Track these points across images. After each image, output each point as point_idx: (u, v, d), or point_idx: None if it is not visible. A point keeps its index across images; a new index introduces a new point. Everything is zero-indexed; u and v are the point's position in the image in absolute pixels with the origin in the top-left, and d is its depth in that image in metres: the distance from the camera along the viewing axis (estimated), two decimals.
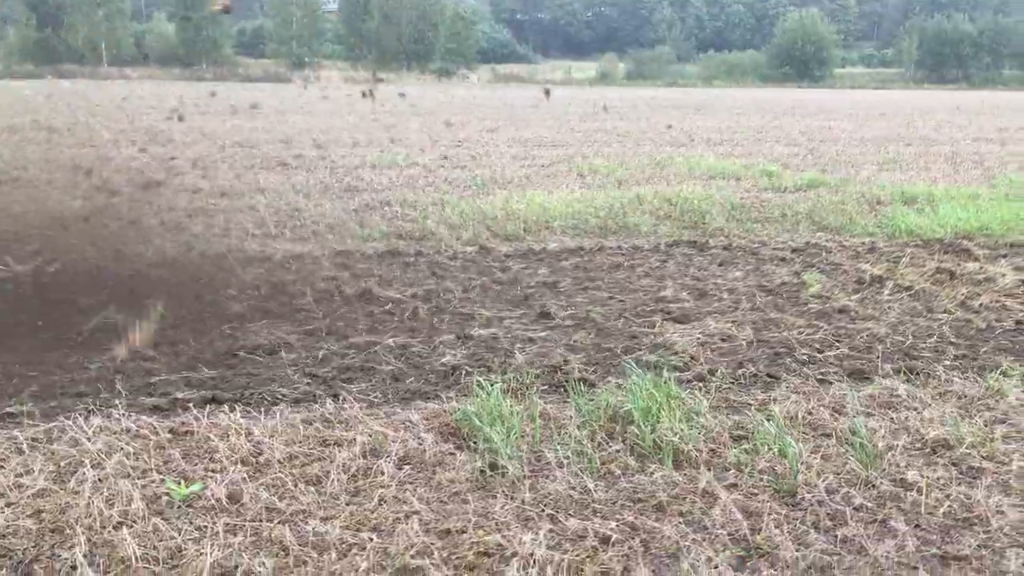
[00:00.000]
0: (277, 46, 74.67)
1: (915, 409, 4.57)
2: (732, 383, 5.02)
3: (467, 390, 4.72)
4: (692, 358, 5.37)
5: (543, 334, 5.85)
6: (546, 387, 4.93)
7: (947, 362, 5.37)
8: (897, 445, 4.09)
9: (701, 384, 4.98)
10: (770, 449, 4.01)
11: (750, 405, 4.69)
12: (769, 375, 5.13)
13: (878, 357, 5.44)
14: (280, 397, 4.70)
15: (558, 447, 4.00)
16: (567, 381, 4.96)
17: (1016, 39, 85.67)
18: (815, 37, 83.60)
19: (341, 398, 4.59)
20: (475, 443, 4.06)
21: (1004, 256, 8.34)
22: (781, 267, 7.78)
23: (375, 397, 4.74)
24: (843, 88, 68.42)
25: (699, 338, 5.73)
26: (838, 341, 5.74)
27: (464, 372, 5.13)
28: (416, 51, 77.77)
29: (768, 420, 4.28)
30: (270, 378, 4.97)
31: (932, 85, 77.80)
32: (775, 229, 9.71)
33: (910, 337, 5.84)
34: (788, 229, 9.77)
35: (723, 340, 5.74)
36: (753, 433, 4.17)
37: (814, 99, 45.11)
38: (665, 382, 4.53)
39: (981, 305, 6.55)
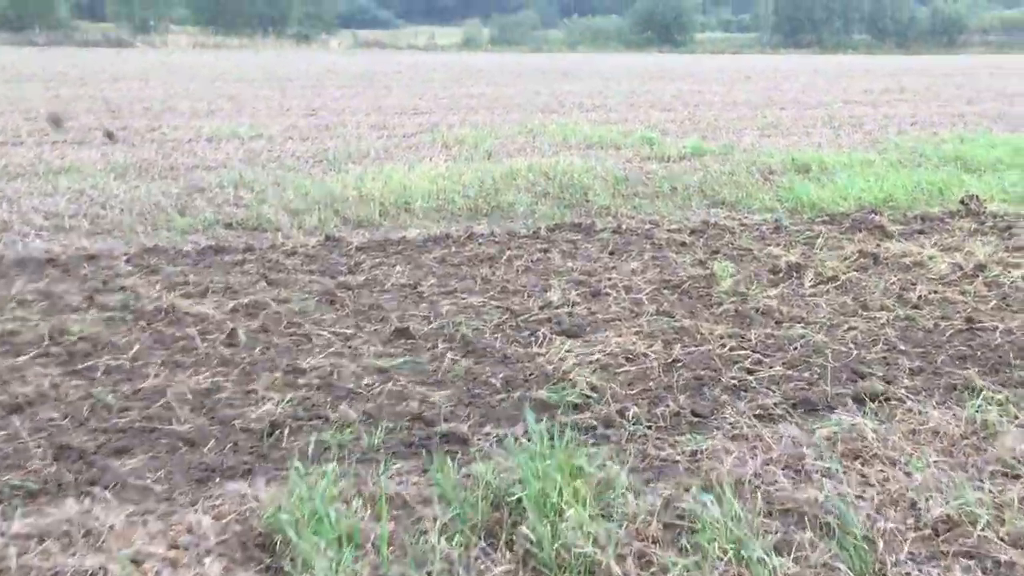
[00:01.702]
0: (118, 8, 69.69)
1: (893, 462, 3.45)
2: (649, 427, 3.80)
3: (290, 459, 3.33)
4: (593, 390, 4.12)
5: (399, 361, 4.49)
6: (402, 450, 3.58)
7: (905, 380, 4.30)
8: (893, 533, 2.93)
9: (610, 433, 3.74)
10: (723, 550, 2.79)
11: (677, 463, 3.48)
12: (695, 413, 3.93)
13: (820, 377, 4.33)
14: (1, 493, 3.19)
15: (413, 572, 2.67)
16: (429, 440, 3.63)
17: (865, 4, 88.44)
18: (675, 2, 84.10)
19: (93, 497, 3.11)
20: (291, 568, 2.69)
21: (921, 232, 7.45)
22: (683, 254, 6.63)
23: (154, 481, 3.29)
24: (704, 53, 68.88)
25: (599, 359, 4.49)
26: (769, 355, 4.61)
27: (288, 429, 3.73)
28: (271, 16, 74.12)
29: (707, 494, 3.07)
30: None
31: (788, 50, 79.40)
32: (666, 206, 8.59)
33: (852, 346, 4.77)
34: (680, 206, 8.67)
35: (629, 360, 4.52)
36: (695, 521, 2.95)
37: (678, 64, 44.84)
38: (566, 443, 3.25)
39: (920, 298, 5.55)
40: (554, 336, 4.83)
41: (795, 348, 4.72)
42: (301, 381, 4.21)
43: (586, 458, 3.20)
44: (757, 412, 3.94)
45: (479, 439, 3.67)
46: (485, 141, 12.35)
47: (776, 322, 5.16)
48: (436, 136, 12.90)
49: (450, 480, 3.12)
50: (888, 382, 4.28)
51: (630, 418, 3.83)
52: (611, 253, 6.69)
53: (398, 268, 6.20)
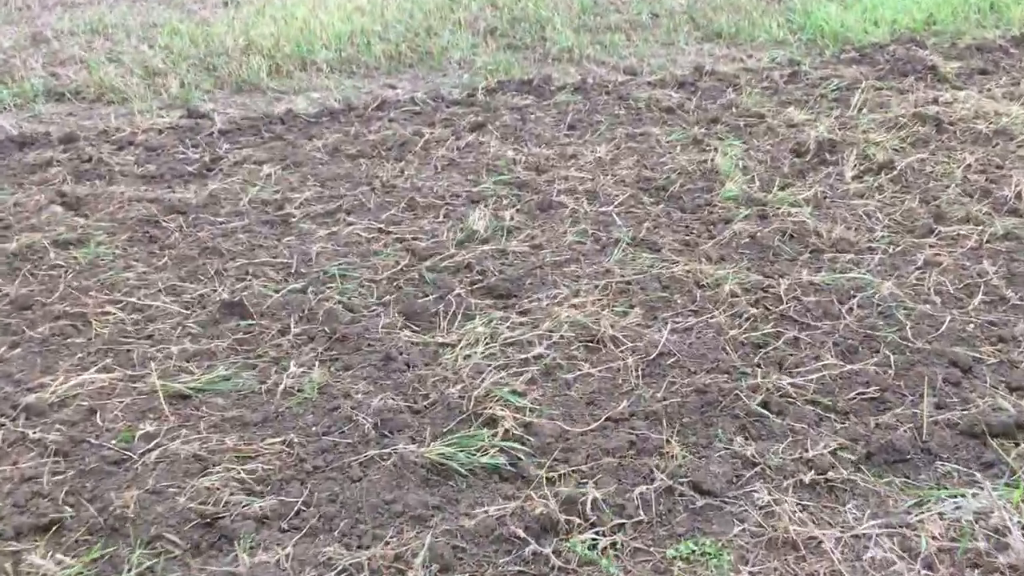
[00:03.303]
0: None
1: None
2: (619, 527, 2.15)
3: None
4: (526, 432, 2.43)
5: (212, 377, 2.76)
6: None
7: None
8: None
9: (545, 550, 2.08)
10: None
11: None
12: (697, 487, 2.26)
13: (904, 379, 2.65)
14: None
15: None
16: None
17: None
18: None
19: None
20: None
21: (984, 73, 5.56)
22: (670, 127, 4.77)
23: None
24: None
25: (540, 354, 2.78)
26: (812, 329, 2.90)
27: None
28: None
29: None
30: None
31: None
32: (646, 42, 6.61)
33: (938, 300, 3.06)
34: (664, 41, 6.68)
35: (588, 352, 2.81)
36: None
37: None
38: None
39: (1022, 195, 3.80)
40: (472, 303, 3.08)
41: (850, 311, 3.00)
42: (33, 436, 2.49)
43: None
44: (806, 478, 2.27)
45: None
46: None
47: (813, 253, 3.41)
48: None
49: None
50: (1014, 388, 2.61)
51: (586, 510, 2.16)
52: (571, 128, 4.82)
53: (267, 168, 4.34)
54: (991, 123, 4.58)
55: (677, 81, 5.57)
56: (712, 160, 4.20)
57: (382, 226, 3.71)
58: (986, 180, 3.95)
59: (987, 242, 3.46)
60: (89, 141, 4.78)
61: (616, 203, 3.85)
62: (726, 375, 2.68)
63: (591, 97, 5.30)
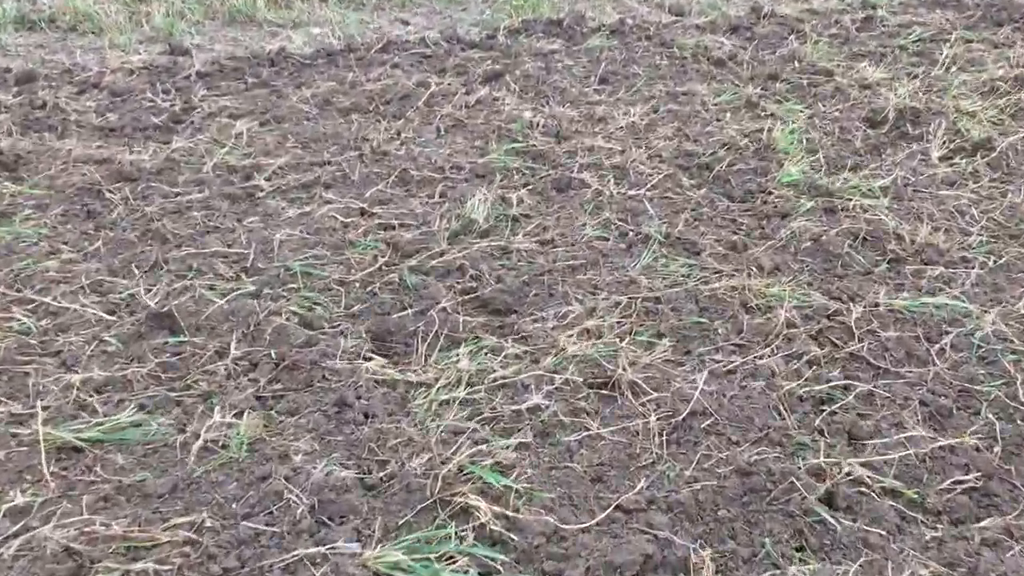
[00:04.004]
0: None
1: None
2: None
3: None
4: (518, 533, 1.83)
5: (110, 425, 2.17)
6: None
7: None
8: None
9: None
10: None
11: None
12: None
13: None
14: None
15: None
16: None
17: None
18: None
19: None
20: None
21: None
22: (719, 83, 4.04)
23: None
24: None
25: (543, 406, 2.15)
26: (895, 391, 2.24)
27: None
28: None
29: None
30: None
31: None
32: None
33: None
34: None
35: (604, 405, 2.18)
36: None
37: None
38: None
39: None
40: (460, 321, 2.45)
41: (942, 353, 2.34)
42: None
43: None
44: None
45: None
46: None
47: (892, 264, 2.73)
48: None
49: None
50: None
51: None
52: (602, 82, 4.10)
53: (242, 124, 3.70)
54: None
55: (730, 24, 4.81)
56: (768, 131, 3.48)
57: (364, 206, 3.07)
58: None
59: None
60: (49, 82, 4.17)
61: (649, 185, 3.17)
62: (778, 448, 2.04)
63: (628, 42, 4.56)
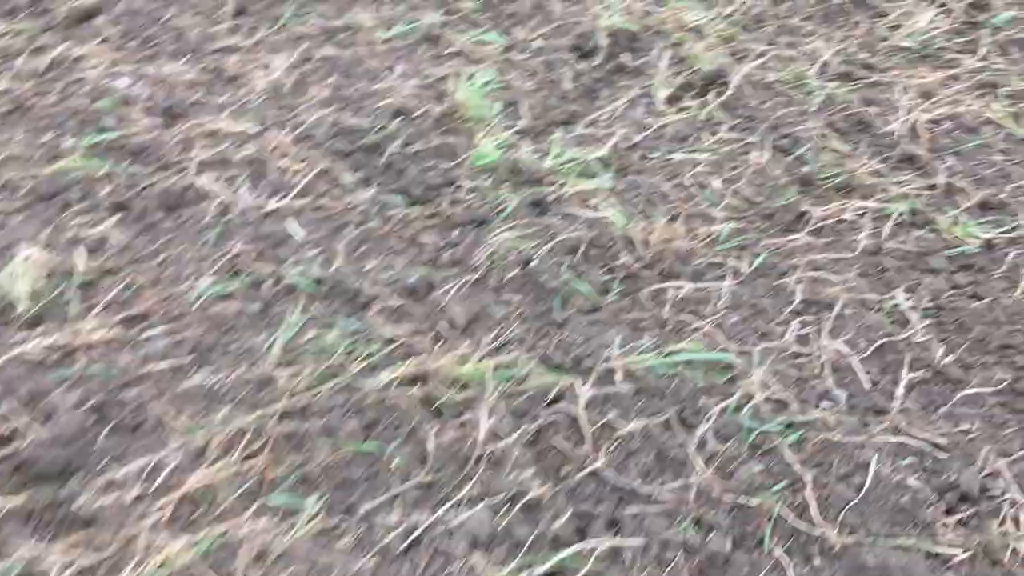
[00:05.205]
0: None
1: None
2: None
3: None
4: None
5: None
6: None
7: None
8: None
9: None
10: None
11: None
12: None
13: None
14: None
15: None
16: None
17: None
18: None
19: None
20: None
21: None
22: (392, 4, 3.11)
23: None
24: None
25: None
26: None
27: None
28: None
29: None
30: None
31: None
32: None
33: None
34: None
35: None
36: None
37: None
38: None
39: None
40: None
41: (712, 464, 1.67)
42: None
43: None
44: None
45: None
46: None
47: (626, 288, 2.03)
48: None
49: None
50: None
51: None
52: (239, 14, 3.05)
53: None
54: None
55: None
56: (451, 87, 2.63)
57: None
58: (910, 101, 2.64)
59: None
60: None
61: (295, 189, 2.26)
62: None
63: None
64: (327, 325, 1.89)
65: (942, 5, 3.05)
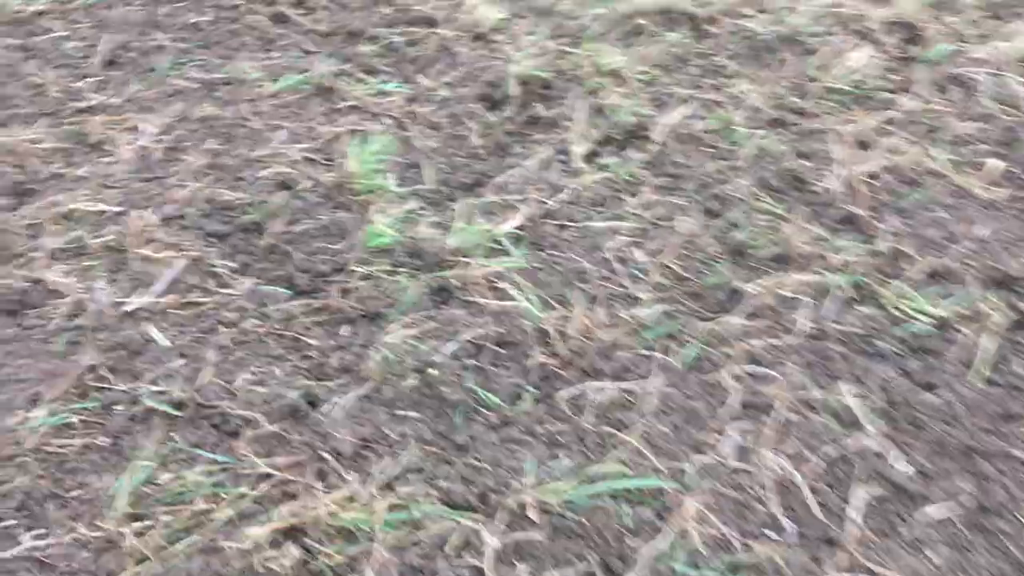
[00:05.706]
0: None
1: None
2: None
3: None
4: None
5: None
6: None
7: None
8: None
9: None
10: None
11: None
12: None
13: None
14: None
15: None
16: None
17: None
18: None
19: None
20: None
21: None
22: (278, 51, 2.82)
23: None
24: None
25: None
26: None
27: None
28: None
29: None
30: None
31: None
32: None
33: None
34: None
35: None
36: None
37: None
38: None
39: None
40: None
41: None
42: None
43: None
44: None
45: None
46: None
47: (541, 392, 1.77)
48: None
49: None
50: None
51: None
52: (109, 64, 2.73)
53: None
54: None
55: None
56: (344, 149, 2.34)
57: None
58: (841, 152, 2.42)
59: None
60: None
61: (159, 283, 1.96)
62: None
63: None
64: (188, 461, 1.60)
65: (874, 41, 2.86)
